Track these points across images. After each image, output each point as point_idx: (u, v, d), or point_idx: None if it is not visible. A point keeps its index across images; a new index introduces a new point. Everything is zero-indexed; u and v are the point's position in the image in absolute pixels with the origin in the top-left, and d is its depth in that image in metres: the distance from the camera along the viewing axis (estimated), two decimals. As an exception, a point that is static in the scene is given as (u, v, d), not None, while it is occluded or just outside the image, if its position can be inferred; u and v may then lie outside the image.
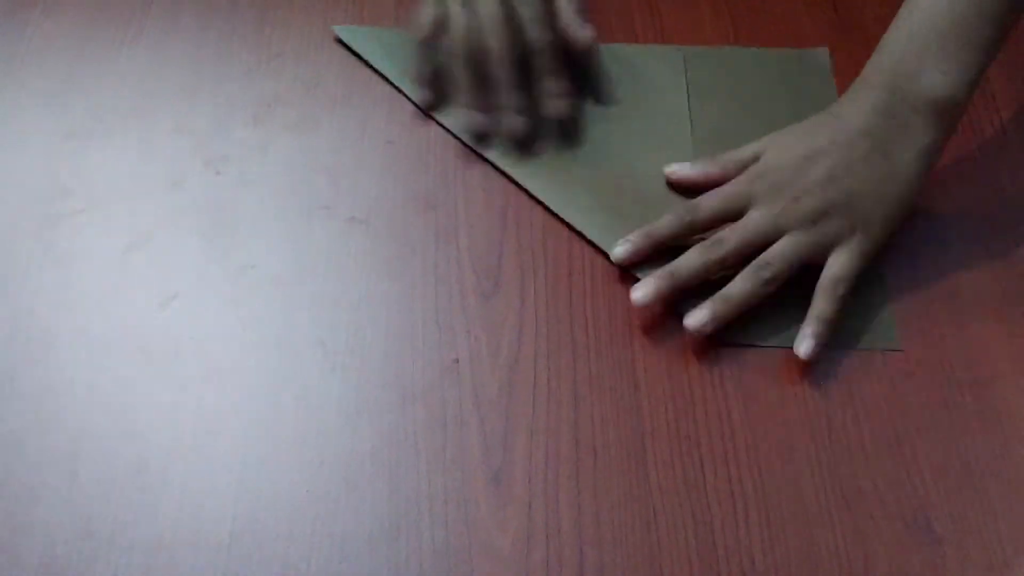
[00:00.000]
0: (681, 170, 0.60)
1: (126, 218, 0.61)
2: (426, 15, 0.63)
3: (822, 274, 0.55)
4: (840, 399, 0.54)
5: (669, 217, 0.56)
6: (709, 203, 0.56)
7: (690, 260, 0.55)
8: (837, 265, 0.55)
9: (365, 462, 0.52)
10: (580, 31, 0.62)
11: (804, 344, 0.54)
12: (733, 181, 0.57)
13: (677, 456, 0.52)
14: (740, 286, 0.54)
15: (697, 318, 0.54)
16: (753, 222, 0.55)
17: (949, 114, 0.55)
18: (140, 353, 0.56)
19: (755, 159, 0.57)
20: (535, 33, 0.61)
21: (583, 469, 0.52)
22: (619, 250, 0.56)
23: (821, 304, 0.54)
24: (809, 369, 0.55)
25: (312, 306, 0.57)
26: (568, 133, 0.62)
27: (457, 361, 0.55)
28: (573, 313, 0.57)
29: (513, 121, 0.61)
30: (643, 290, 0.55)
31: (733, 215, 0.56)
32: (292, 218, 0.60)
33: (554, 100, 0.61)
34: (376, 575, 0.49)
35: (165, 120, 0.65)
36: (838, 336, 0.55)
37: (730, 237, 0.55)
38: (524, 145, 0.61)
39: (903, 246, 0.58)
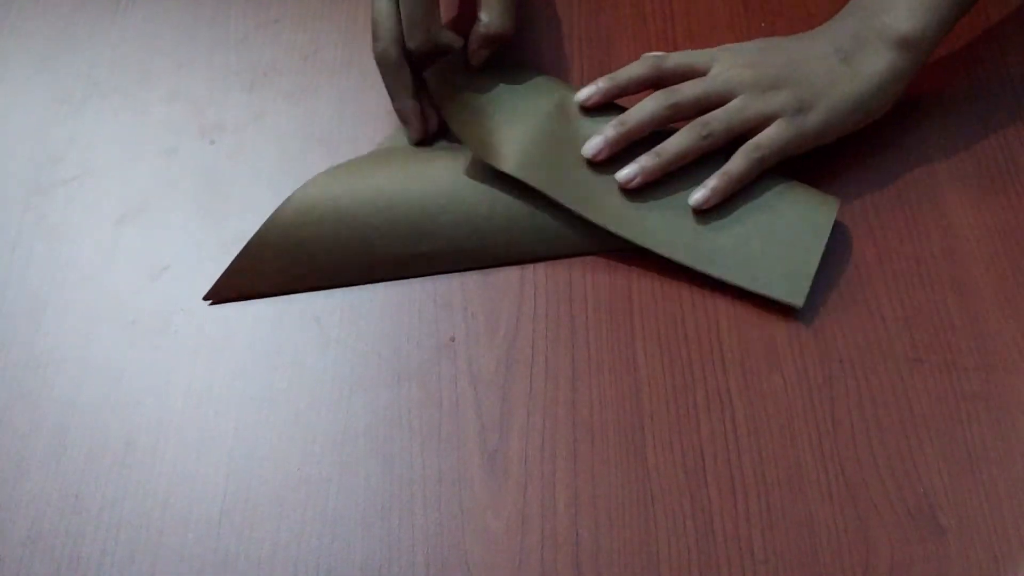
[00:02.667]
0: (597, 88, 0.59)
1: (119, 187, 0.60)
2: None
3: (749, 140, 0.56)
4: (845, 385, 0.52)
5: (636, 63, 0.58)
6: (675, 58, 0.58)
7: (642, 107, 0.56)
8: (768, 132, 0.56)
9: (358, 440, 0.51)
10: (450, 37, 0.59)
11: (698, 193, 0.55)
12: (696, 52, 0.59)
13: (676, 439, 0.51)
14: (677, 140, 0.56)
15: (626, 172, 0.56)
16: (708, 79, 0.57)
17: (915, 48, 0.56)
18: (131, 325, 0.55)
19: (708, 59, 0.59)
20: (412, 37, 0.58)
21: (580, 450, 0.51)
22: (583, 94, 0.58)
23: (735, 160, 0.55)
24: (813, 354, 0.53)
25: (307, 280, 0.56)
26: None
27: (454, 339, 0.54)
28: (572, 292, 0.56)
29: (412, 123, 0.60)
30: (593, 141, 0.56)
31: (697, 74, 0.58)
32: (286, 189, 0.59)
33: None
34: (368, 555, 0.48)
35: (159, 87, 0.63)
36: (749, 270, 0.54)
37: (684, 88, 0.56)
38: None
39: (912, 234, 0.57)
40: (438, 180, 0.56)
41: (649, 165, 0.55)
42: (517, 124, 0.57)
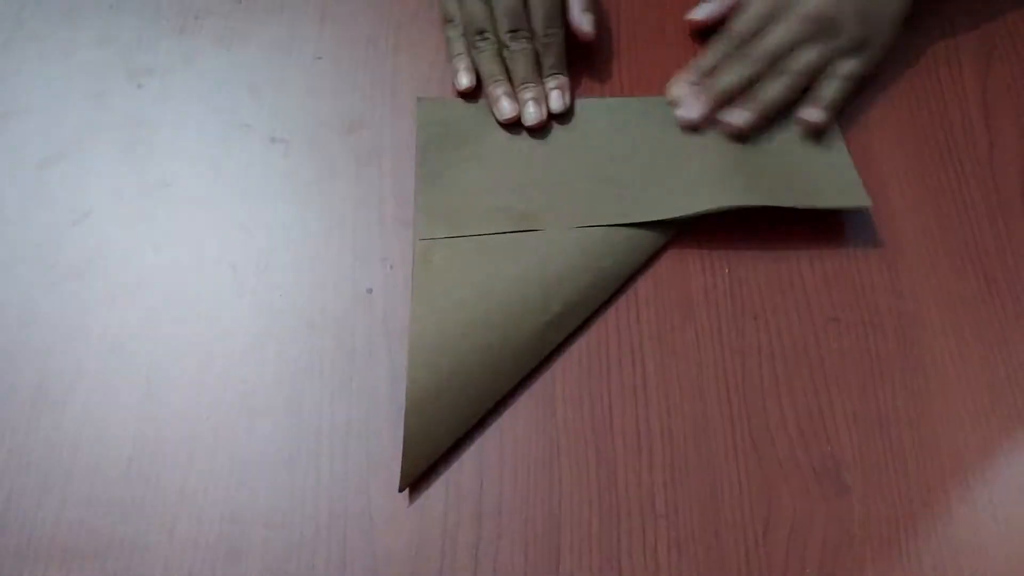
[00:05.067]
0: (701, 12, 0.63)
1: (42, 130, 0.59)
2: (445, 5, 0.62)
3: (827, 72, 0.59)
4: (757, 340, 0.52)
5: (715, 44, 0.60)
6: (747, 24, 0.60)
7: (728, 74, 0.59)
8: (847, 65, 0.59)
9: (269, 389, 0.51)
10: (586, 26, 0.60)
11: (812, 114, 0.58)
12: (750, 11, 0.60)
13: (586, 393, 0.51)
14: (772, 89, 0.58)
15: (741, 117, 0.58)
16: (777, 36, 0.59)
17: None
18: (48, 270, 0.54)
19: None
20: (542, 26, 0.59)
21: (491, 404, 0.51)
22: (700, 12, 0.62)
23: (829, 87, 0.59)
24: (728, 309, 0.53)
25: (225, 228, 0.55)
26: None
27: (371, 291, 0.53)
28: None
29: (532, 111, 0.59)
30: (690, 108, 0.59)
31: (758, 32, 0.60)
32: (211, 136, 0.58)
33: (558, 94, 0.60)
34: (273, 503, 0.48)
35: (89, 30, 0.62)
36: (808, 194, 0.55)
37: (758, 48, 0.59)
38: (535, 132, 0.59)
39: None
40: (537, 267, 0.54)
41: (752, 117, 0.58)
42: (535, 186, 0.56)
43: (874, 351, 0.52)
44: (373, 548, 0.47)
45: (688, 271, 0.54)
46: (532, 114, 0.58)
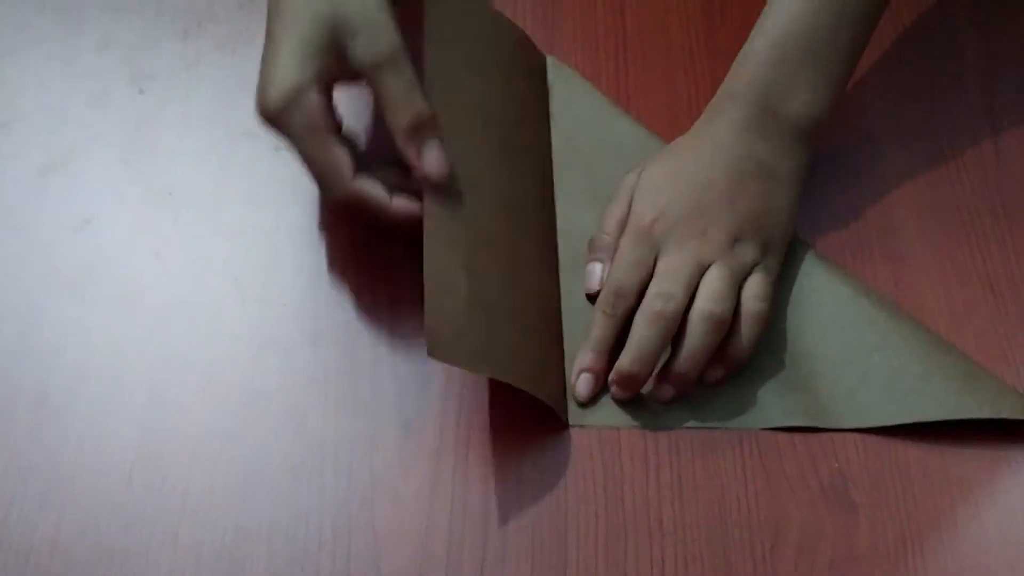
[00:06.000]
0: (593, 276, 0.53)
1: (45, 135, 0.58)
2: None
3: (743, 301, 0.50)
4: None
5: (600, 320, 0.51)
6: (624, 280, 0.50)
7: (644, 334, 0.49)
8: (756, 286, 0.51)
9: (272, 400, 0.50)
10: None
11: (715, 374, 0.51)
12: (629, 239, 0.51)
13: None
14: (693, 340, 0.50)
15: (666, 392, 0.50)
16: (681, 268, 0.50)
17: (817, 133, 0.54)
18: (49, 276, 0.54)
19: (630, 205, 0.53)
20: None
21: (497, 419, 0.50)
22: (582, 389, 0.50)
23: (745, 334, 0.50)
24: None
25: (229, 236, 0.55)
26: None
27: (375, 302, 0.53)
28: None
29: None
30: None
31: (649, 273, 0.51)
32: (215, 143, 0.58)
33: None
34: (275, 515, 0.47)
35: (90, 34, 0.62)
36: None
37: (675, 292, 0.49)
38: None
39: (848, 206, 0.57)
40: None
41: (684, 370, 0.50)
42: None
43: (881, 367, 0.52)
44: (378, 564, 0.46)
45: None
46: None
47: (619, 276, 0.50)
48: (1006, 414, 0.50)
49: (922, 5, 0.64)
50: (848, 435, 0.50)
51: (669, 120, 0.59)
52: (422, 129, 0.49)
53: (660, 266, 0.50)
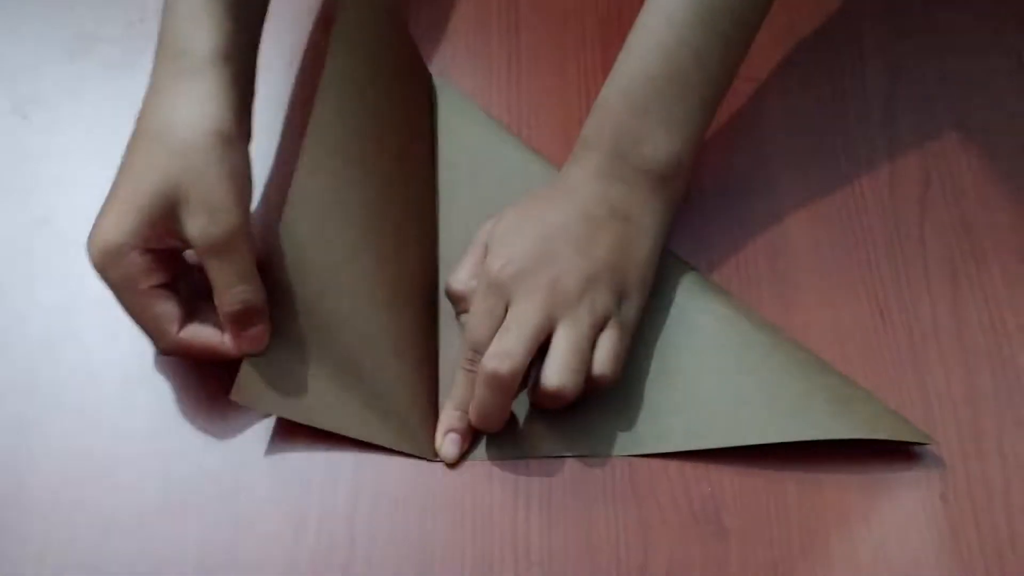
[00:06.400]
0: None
1: (-77, 164, 0.58)
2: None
3: (593, 363, 0.49)
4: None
5: (461, 378, 0.50)
6: (477, 334, 0.49)
7: (483, 395, 0.48)
8: (606, 347, 0.49)
9: (140, 436, 0.50)
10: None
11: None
12: (481, 290, 0.50)
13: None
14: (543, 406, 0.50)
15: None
16: (524, 324, 0.48)
17: (677, 174, 0.52)
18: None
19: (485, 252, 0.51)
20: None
21: (364, 447, 0.49)
22: (448, 451, 0.49)
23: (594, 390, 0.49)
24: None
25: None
26: None
27: (249, 330, 0.53)
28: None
29: None
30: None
31: (501, 323, 0.49)
32: (96, 170, 0.56)
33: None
34: (139, 556, 0.47)
35: (-28, 57, 0.61)
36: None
37: (513, 350, 0.47)
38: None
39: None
40: None
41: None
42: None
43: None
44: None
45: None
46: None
47: (472, 331, 0.49)
48: (882, 435, 0.49)
49: (825, 28, 0.63)
50: (723, 459, 0.49)
51: (564, 138, 0.58)
52: (247, 318, 0.48)
53: (507, 318, 0.49)
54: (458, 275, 0.52)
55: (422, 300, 0.53)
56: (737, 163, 0.59)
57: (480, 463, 0.49)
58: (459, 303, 0.52)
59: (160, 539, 0.47)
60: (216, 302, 0.48)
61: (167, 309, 0.48)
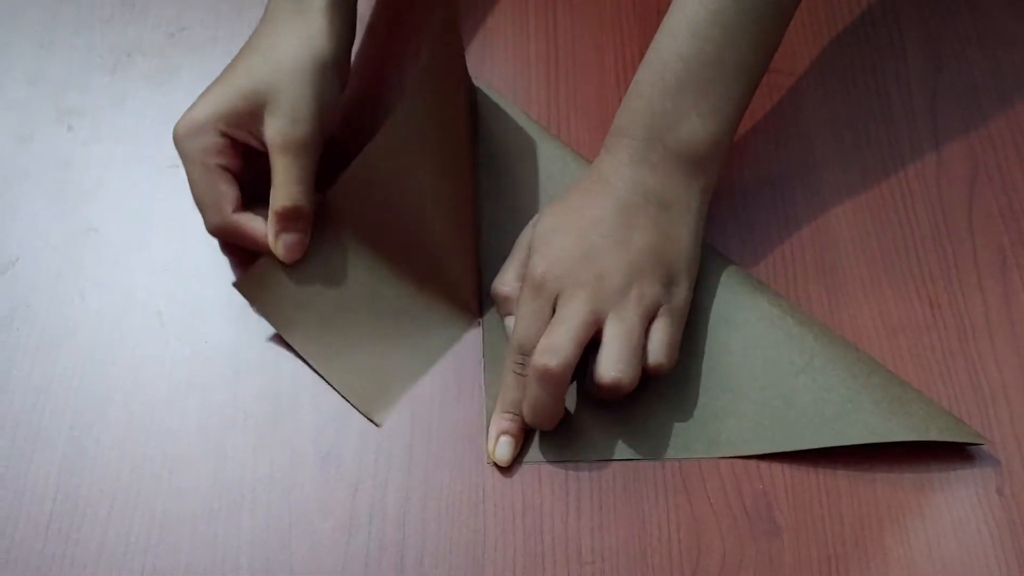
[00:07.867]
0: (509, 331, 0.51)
1: (-30, 175, 0.59)
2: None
3: (647, 352, 0.49)
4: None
5: (510, 381, 0.49)
6: (524, 336, 0.49)
7: (534, 392, 0.48)
8: (659, 335, 0.49)
9: (192, 439, 0.50)
10: None
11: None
12: (526, 293, 0.50)
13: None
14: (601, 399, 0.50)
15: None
16: (572, 319, 0.48)
17: (713, 158, 0.52)
18: (-27, 320, 0.54)
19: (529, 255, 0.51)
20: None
21: (416, 450, 0.50)
22: (502, 453, 0.49)
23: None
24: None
25: (152, 273, 0.55)
26: None
27: (296, 334, 0.53)
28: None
29: None
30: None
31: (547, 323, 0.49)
32: (140, 179, 0.58)
33: None
34: (192, 559, 0.47)
35: (17, 70, 0.62)
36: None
37: (562, 345, 0.47)
38: None
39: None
40: None
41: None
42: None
43: (810, 384, 0.51)
44: (293, 603, 0.46)
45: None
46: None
47: (520, 333, 0.49)
48: (934, 436, 0.48)
49: (865, 18, 0.63)
50: (773, 457, 0.49)
51: (603, 137, 0.55)
52: (290, 220, 0.52)
53: (554, 316, 0.49)
54: (503, 277, 0.52)
55: (460, 293, 0.54)
56: (780, 156, 0.58)
57: (529, 466, 0.49)
58: (504, 305, 0.52)
59: (213, 541, 0.48)
60: (271, 198, 0.52)
61: (228, 189, 0.52)
